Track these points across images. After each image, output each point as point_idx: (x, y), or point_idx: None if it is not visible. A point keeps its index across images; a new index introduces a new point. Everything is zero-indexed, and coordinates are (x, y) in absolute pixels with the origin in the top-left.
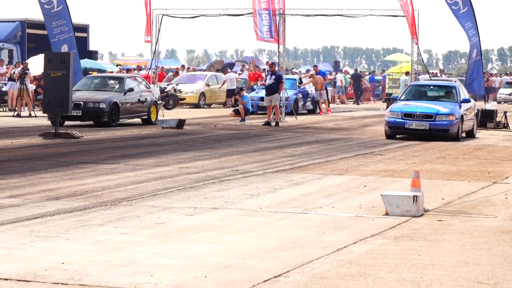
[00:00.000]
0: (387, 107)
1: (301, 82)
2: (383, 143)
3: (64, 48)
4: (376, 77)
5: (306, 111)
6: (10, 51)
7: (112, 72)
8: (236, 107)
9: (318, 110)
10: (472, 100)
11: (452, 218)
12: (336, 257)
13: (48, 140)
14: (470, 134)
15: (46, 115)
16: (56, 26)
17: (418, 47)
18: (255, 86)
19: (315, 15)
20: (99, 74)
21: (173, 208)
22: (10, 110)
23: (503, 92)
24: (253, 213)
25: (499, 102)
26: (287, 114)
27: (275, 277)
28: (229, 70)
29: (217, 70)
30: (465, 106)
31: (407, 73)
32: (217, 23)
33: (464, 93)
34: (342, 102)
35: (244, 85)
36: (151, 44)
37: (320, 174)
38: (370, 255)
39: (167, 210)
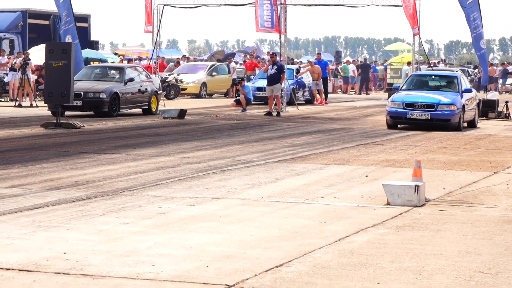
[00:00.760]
0: (389, 97)
1: (298, 72)
2: (384, 133)
3: (69, 39)
4: (377, 67)
5: (303, 101)
6: (11, 41)
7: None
8: (238, 97)
9: (315, 99)
10: (473, 90)
11: (454, 208)
12: (337, 246)
13: (50, 130)
14: (472, 124)
15: (47, 105)
16: (63, 17)
17: (419, 37)
18: (252, 76)
19: (317, 5)
20: (100, 64)
21: (174, 198)
22: (12, 100)
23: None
24: (255, 203)
25: (500, 92)
26: (287, 104)
27: (277, 266)
28: (232, 60)
29: (218, 60)
30: (466, 96)
31: (408, 63)
32: (219, 13)
33: (465, 83)
34: (344, 92)
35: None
36: (152, 34)
37: (321, 164)
38: (371, 245)
39: (169, 200)
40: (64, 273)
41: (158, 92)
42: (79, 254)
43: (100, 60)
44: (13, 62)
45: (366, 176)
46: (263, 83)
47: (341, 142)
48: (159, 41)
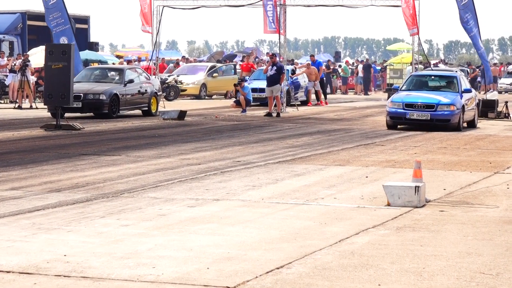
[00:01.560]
0: (388, 97)
1: (293, 73)
2: (384, 133)
3: (63, 40)
4: (377, 67)
5: (299, 103)
6: (11, 43)
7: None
8: (237, 98)
9: (309, 101)
10: (473, 90)
11: (454, 208)
12: (338, 248)
13: (49, 132)
14: (471, 124)
15: (47, 107)
16: (53, 18)
17: (419, 37)
18: (247, 77)
19: (316, 6)
20: (99, 66)
21: (174, 200)
22: (11, 102)
23: (504, 82)
24: (255, 204)
25: (500, 92)
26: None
27: (278, 268)
28: (228, 62)
29: (218, 61)
30: (466, 96)
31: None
32: (218, 14)
33: (465, 83)
34: (344, 93)
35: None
36: (152, 35)
37: (321, 165)
38: (372, 246)
39: (169, 202)
40: (64, 276)
41: (158, 93)
42: (80, 257)
43: (100, 62)
44: (13, 64)
45: (366, 177)
46: (257, 84)
47: (341, 143)
48: (158, 42)
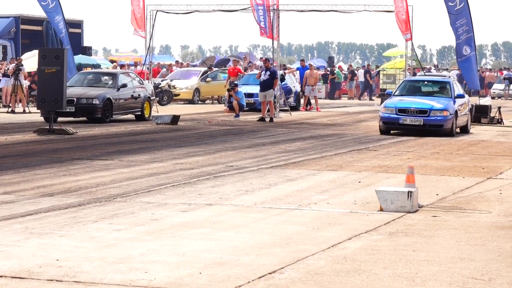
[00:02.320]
0: (381, 102)
1: (283, 78)
2: (377, 138)
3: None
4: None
5: (288, 108)
6: (4, 47)
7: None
8: (230, 103)
9: (301, 106)
10: (466, 96)
11: (447, 213)
12: (330, 253)
13: (42, 137)
14: (464, 130)
15: (40, 111)
16: (58, 22)
17: (412, 43)
18: (235, 82)
19: (309, 11)
20: (92, 70)
21: (167, 205)
22: (4, 106)
23: (496, 87)
24: (248, 209)
25: (493, 98)
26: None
27: (270, 273)
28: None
29: (210, 66)
30: (459, 101)
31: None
32: (212, 18)
33: (458, 89)
34: (337, 98)
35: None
36: (145, 40)
37: (314, 170)
38: (364, 251)
39: (162, 207)
40: (57, 280)
41: (151, 98)
42: (72, 261)
43: (93, 66)
44: (6, 68)
45: (359, 182)
46: (245, 89)
47: (334, 148)
48: (152, 47)
